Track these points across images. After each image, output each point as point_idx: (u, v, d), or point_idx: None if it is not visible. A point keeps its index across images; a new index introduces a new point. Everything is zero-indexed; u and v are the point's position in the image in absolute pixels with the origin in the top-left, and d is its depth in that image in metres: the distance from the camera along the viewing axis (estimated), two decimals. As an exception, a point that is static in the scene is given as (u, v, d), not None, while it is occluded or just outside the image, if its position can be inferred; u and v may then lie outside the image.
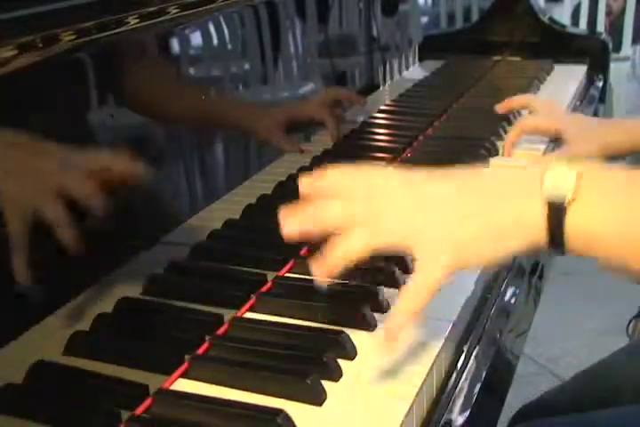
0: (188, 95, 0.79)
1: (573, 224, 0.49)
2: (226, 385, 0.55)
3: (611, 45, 1.58)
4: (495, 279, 0.74)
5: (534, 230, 0.50)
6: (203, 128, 0.81)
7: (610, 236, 0.49)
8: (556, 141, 1.03)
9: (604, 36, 1.63)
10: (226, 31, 0.83)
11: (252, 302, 0.66)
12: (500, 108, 1.11)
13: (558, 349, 1.85)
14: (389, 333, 0.53)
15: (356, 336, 0.60)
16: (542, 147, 1.05)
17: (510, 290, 0.75)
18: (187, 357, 0.58)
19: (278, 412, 0.51)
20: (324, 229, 0.54)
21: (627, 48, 2.78)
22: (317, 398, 0.53)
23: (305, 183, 0.57)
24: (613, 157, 0.97)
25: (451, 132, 1.18)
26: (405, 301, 0.53)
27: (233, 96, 0.87)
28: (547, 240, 0.50)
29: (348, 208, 0.54)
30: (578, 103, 1.39)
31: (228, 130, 0.86)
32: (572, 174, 0.50)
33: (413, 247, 0.52)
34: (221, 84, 0.85)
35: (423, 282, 0.52)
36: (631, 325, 1.38)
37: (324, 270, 0.55)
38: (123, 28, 0.65)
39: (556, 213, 0.49)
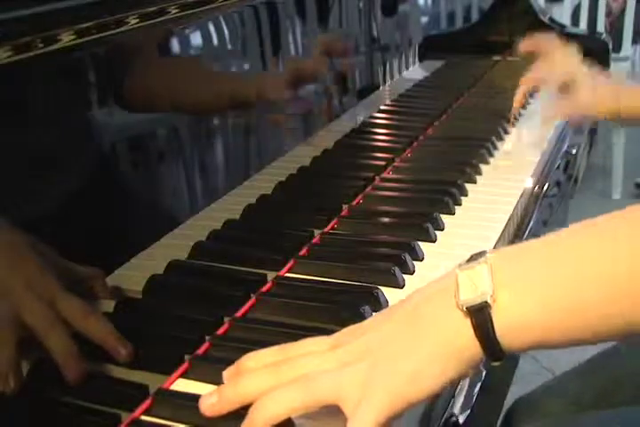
0: (188, 95, 0.79)
1: (500, 320, 0.46)
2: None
3: (611, 45, 1.58)
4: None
5: (467, 342, 0.46)
6: (202, 127, 0.81)
7: (546, 318, 0.46)
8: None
9: (604, 36, 1.62)
10: (226, 31, 0.82)
11: (252, 301, 0.66)
12: (521, 48, 1.11)
13: (558, 349, 1.84)
14: None
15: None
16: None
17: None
18: (187, 357, 0.58)
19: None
20: (249, 401, 0.49)
21: (627, 48, 2.78)
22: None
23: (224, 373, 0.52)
24: (624, 119, 0.97)
25: (451, 132, 1.18)
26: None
27: (236, 94, 0.87)
28: (481, 347, 0.46)
29: (274, 375, 0.49)
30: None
31: (229, 127, 0.86)
32: (483, 268, 0.47)
33: (343, 402, 0.47)
34: (222, 84, 0.85)
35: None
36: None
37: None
38: (123, 28, 0.65)
39: (481, 316, 0.46)
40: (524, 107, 1.20)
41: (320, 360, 0.49)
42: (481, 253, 0.49)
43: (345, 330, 0.52)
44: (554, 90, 1.06)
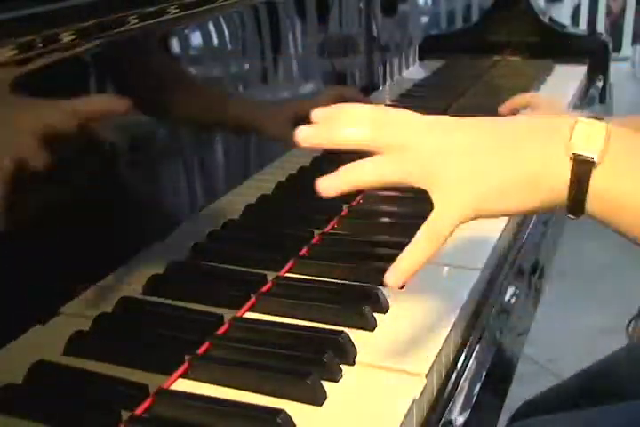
0: (188, 95, 0.79)
1: (598, 184, 0.47)
2: (226, 385, 0.55)
3: (611, 45, 1.58)
4: (495, 279, 0.74)
5: (557, 185, 0.48)
6: (202, 128, 0.81)
7: (633, 201, 0.47)
8: None
9: (603, 36, 1.63)
10: (226, 31, 0.82)
11: (252, 301, 0.66)
12: (504, 108, 1.11)
13: (558, 349, 1.85)
14: (394, 278, 0.50)
15: (356, 336, 0.60)
16: None
17: (510, 290, 0.75)
18: (187, 357, 0.58)
19: (278, 412, 0.51)
20: (345, 146, 0.51)
21: (627, 48, 2.79)
22: (317, 398, 0.53)
23: (319, 111, 0.53)
24: None
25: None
26: (414, 247, 0.51)
27: (237, 94, 0.87)
28: (567, 197, 0.48)
29: (375, 132, 0.51)
30: (578, 103, 1.39)
31: (230, 127, 0.86)
32: (602, 131, 0.48)
33: (432, 191, 0.50)
34: (222, 84, 0.85)
35: (436, 230, 0.50)
36: (631, 325, 1.38)
37: (330, 183, 0.53)
38: (123, 28, 0.65)
39: (582, 169, 0.47)
40: None
41: (419, 137, 0.51)
42: (601, 119, 0.50)
43: (444, 117, 0.54)
44: None
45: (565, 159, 0.47)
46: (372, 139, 0.50)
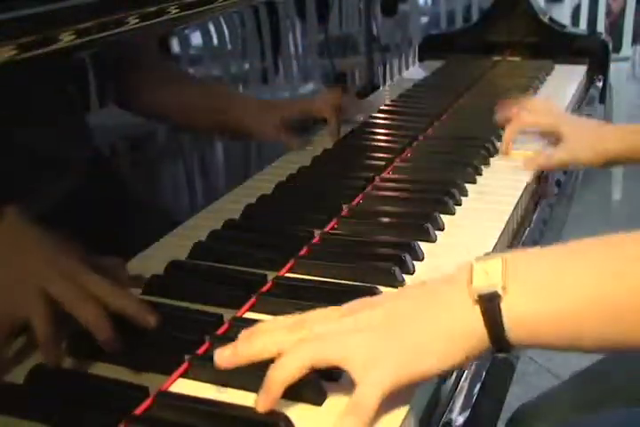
0: (188, 94, 0.79)
1: (512, 313, 0.48)
2: (226, 385, 0.55)
3: (611, 45, 1.58)
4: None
5: (473, 331, 0.48)
6: (203, 127, 0.81)
7: (548, 317, 0.48)
8: (551, 140, 1.03)
9: (603, 36, 1.62)
10: (226, 31, 0.83)
11: (252, 301, 0.66)
12: (499, 119, 1.09)
13: (558, 349, 1.85)
14: None
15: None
16: (537, 145, 1.05)
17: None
18: (187, 357, 0.58)
19: (278, 412, 0.51)
20: (263, 357, 0.51)
21: (627, 48, 2.78)
22: (317, 398, 0.53)
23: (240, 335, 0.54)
24: (611, 163, 0.96)
25: (451, 132, 1.18)
26: (345, 423, 0.49)
27: (234, 94, 0.87)
28: (489, 337, 0.48)
29: (289, 334, 0.52)
30: (578, 103, 1.39)
31: (230, 127, 0.86)
32: (498, 263, 0.49)
33: (350, 368, 0.50)
34: (222, 83, 0.85)
35: (361, 405, 0.49)
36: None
37: (265, 391, 0.50)
38: (123, 28, 0.65)
39: (491, 305, 0.48)
40: None
41: (332, 325, 0.52)
42: (495, 253, 0.51)
43: (357, 301, 0.54)
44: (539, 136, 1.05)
45: (472, 304, 0.48)
46: (287, 340, 0.51)
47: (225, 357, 0.52)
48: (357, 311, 0.52)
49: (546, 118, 1.03)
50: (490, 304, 0.48)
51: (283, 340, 0.51)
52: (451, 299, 0.50)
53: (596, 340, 0.48)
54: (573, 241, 0.50)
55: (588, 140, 0.97)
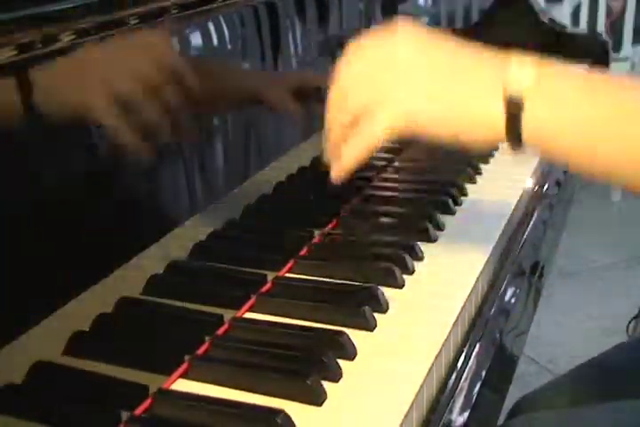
0: (188, 94, 0.79)
1: (532, 117, 0.51)
2: (226, 385, 0.55)
3: (611, 45, 1.58)
4: (495, 279, 0.74)
5: (494, 120, 0.52)
6: (203, 126, 0.81)
7: (566, 137, 0.51)
8: None
9: (604, 36, 1.62)
10: (226, 31, 0.82)
11: (251, 302, 0.66)
12: None
13: (558, 349, 1.85)
14: (336, 172, 0.59)
15: (356, 336, 0.60)
16: None
17: (510, 290, 0.75)
18: (187, 357, 0.58)
19: (278, 412, 0.51)
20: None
21: (627, 48, 2.78)
22: (317, 398, 0.53)
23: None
24: None
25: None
26: (352, 144, 0.57)
27: (234, 72, 0.87)
28: (505, 131, 0.52)
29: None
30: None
31: (230, 126, 0.86)
32: (532, 67, 0.52)
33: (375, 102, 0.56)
34: (223, 83, 0.85)
35: (370, 129, 0.56)
36: (631, 325, 1.38)
37: (346, 161, 0.59)
38: (122, 28, 0.65)
39: (514, 104, 0.51)
40: None
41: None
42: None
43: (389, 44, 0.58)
44: None
45: (499, 95, 0.52)
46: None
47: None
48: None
49: None
50: (513, 103, 0.51)
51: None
52: (485, 80, 0.53)
53: (609, 156, 0.51)
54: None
55: None
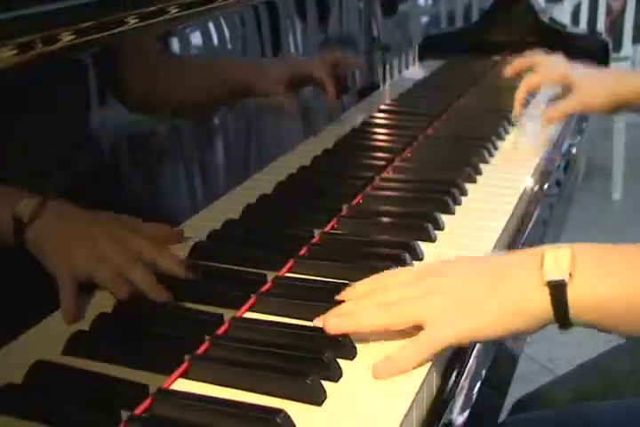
0: (188, 94, 0.79)
1: (576, 297, 0.53)
2: (226, 385, 0.55)
3: (611, 45, 1.58)
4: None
5: (541, 309, 0.54)
6: (202, 127, 0.81)
7: (612, 304, 0.53)
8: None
9: (604, 35, 1.63)
10: (226, 31, 0.82)
11: (251, 301, 0.66)
12: (508, 71, 1.12)
13: (559, 349, 1.85)
14: (383, 372, 0.56)
15: (357, 336, 0.60)
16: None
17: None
18: (187, 357, 0.58)
19: (278, 411, 0.51)
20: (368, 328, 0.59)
21: (627, 48, 2.78)
22: (317, 397, 0.53)
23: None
24: (624, 109, 0.98)
25: (451, 131, 1.18)
26: (406, 351, 0.57)
27: (231, 69, 0.87)
28: (554, 317, 0.54)
29: (385, 315, 0.58)
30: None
31: (229, 126, 0.86)
32: (567, 252, 0.55)
33: (424, 324, 0.57)
34: (222, 83, 0.85)
35: (433, 339, 0.56)
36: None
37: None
38: (122, 28, 0.65)
39: (558, 290, 0.53)
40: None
41: (408, 289, 0.59)
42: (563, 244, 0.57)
43: (431, 264, 0.64)
44: (551, 90, 1.07)
45: (541, 286, 0.54)
46: (389, 319, 0.58)
47: (335, 324, 0.58)
48: (431, 276, 0.60)
49: (552, 72, 1.04)
50: (557, 289, 0.54)
51: (380, 318, 0.58)
52: (523, 279, 0.56)
53: None
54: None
55: (602, 85, 0.98)
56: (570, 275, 0.53)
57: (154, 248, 0.65)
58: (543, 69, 1.06)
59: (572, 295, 0.53)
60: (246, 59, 0.89)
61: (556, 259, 0.55)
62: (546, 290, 0.54)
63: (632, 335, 0.57)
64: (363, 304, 0.60)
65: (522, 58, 1.13)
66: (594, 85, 1.00)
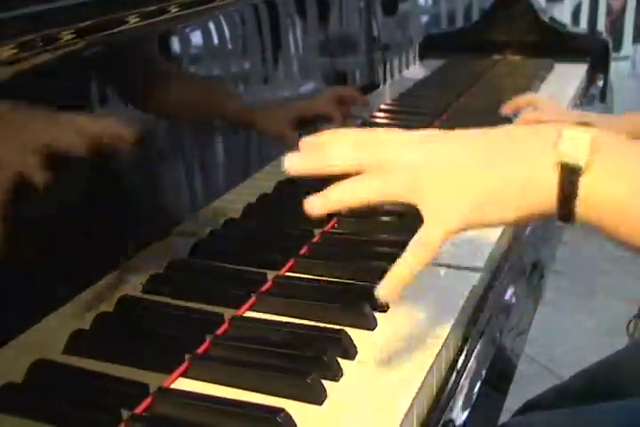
0: (188, 93, 0.79)
1: (588, 191, 0.46)
2: (226, 384, 0.55)
3: (611, 44, 1.58)
4: (495, 279, 0.74)
5: (545, 193, 0.47)
6: (203, 126, 0.81)
7: (627, 207, 0.46)
8: None
9: (604, 35, 1.63)
10: (226, 30, 0.82)
11: (252, 301, 0.66)
12: (507, 108, 1.11)
13: (558, 349, 1.85)
14: (385, 291, 0.52)
15: (357, 335, 0.60)
16: None
17: (510, 290, 0.75)
18: (187, 356, 0.58)
19: (279, 411, 0.51)
20: (330, 171, 0.51)
21: (627, 47, 2.78)
22: (317, 397, 0.53)
23: (306, 140, 0.54)
24: None
25: (451, 131, 1.17)
26: (404, 261, 0.51)
27: (236, 93, 0.87)
28: (557, 205, 0.47)
29: (358, 153, 0.51)
30: (578, 102, 1.39)
31: (230, 125, 0.86)
32: (588, 138, 0.47)
33: (420, 205, 0.50)
34: (223, 82, 0.85)
35: (426, 243, 0.50)
36: (631, 325, 1.37)
37: (317, 203, 0.53)
38: (122, 28, 0.65)
39: (570, 177, 0.46)
40: None
41: (404, 152, 0.50)
42: (586, 124, 0.49)
43: (430, 131, 0.53)
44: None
45: (552, 167, 0.47)
46: (356, 158, 0.51)
47: (294, 162, 0.52)
48: (432, 141, 0.51)
49: (549, 115, 1.04)
50: (569, 175, 0.46)
51: (355, 157, 0.50)
52: (532, 154, 0.48)
53: None
54: None
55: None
56: (586, 165, 0.46)
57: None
58: (541, 110, 1.05)
59: (586, 188, 0.46)
60: (244, 62, 0.88)
61: (575, 142, 0.47)
62: (556, 173, 0.46)
63: (632, 246, 0.48)
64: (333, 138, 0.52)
65: (524, 96, 1.12)
66: None
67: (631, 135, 0.83)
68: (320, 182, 0.91)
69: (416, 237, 0.50)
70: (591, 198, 0.46)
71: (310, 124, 1.01)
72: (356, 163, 0.50)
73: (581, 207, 0.47)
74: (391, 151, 0.50)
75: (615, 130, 0.92)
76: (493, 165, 0.49)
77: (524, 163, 0.48)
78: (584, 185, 0.46)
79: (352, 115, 1.13)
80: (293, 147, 0.53)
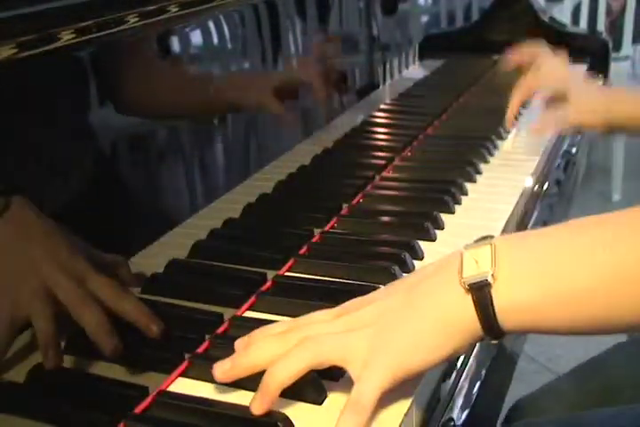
0: (187, 93, 0.79)
1: (503, 300, 0.47)
2: (226, 384, 0.55)
3: (611, 45, 1.58)
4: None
5: (467, 320, 0.48)
6: (203, 126, 0.81)
7: (546, 300, 0.46)
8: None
9: (604, 35, 1.62)
10: (226, 30, 0.82)
11: (252, 300, 0.66)
12: (509, 62, 1.10)
13: (558, 348, 1.85)
14: None
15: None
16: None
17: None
18: (186, 356, 0.58)
19: (278, 412, 0.51)
20: (260, 369, 0.51)
21: (627, 47, 2.78)
22: (317, 397, 0.53)
23: (237, 342, 0.55)
24: (616, 130, 0.96)
25: (451, 131, 1.18)
26: (342, 423, 0.49)
27: (226, 78, 0.87)
28: (480, 326, 0.47)
29: (283, 341, 0.52)
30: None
31: (229, 125, 0.86)
32: (487, 251, 0.48)
33: (347, 366, 0.50)
34: (222, 82, 0.85)
35: (359, 404, 0.49)
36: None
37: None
38: (122, 27, 0.65)
39: (482, 294, 0.47)
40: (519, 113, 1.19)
41: (326, 326, 0.52)
42: (486, 237, 0.50)
43: (349, 302, 0.54)
44: (544, 101, 1.05)
45: (464, 293, 0.47)
46: (281, 347, 0.51)
47: (225, 371, 0.52)
48: (350, 312, 0.53)
49: (552, 77, 1.03)
50: (480, 293, 0.47)
51: (278, 347, 0.51)
52: (441, 290, 0.49)
53: (591, 320, 0.46)
54: (563, 223, 0.49)
55: (595, 102, 0.96)
56: (493, 276, 0.46)
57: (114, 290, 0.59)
58: (543, 71, 1.05)
59: (499, 297, 0.46)
60: (244, 62, 0.88)
61: (477, 259, 0.48)
62: (469, 297, 0.47)
63: (574, 333, 0.47)
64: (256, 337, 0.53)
65: (524, 49, 1.12)
66: (590, 102, 0.97)
67: (635, 115, 0.82)
68: (320, 182, 0.91)
69: (349, 398, 0.49)
70: (509, 306, 0.47)
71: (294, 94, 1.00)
72: (281, 351, 0.50)
73: (503, 317, 0.47)
74: (313, 330, 0.52)
75: (616, 108, 0.88)
76: (409, 310, 0.49)
77: (437, 301, 0.49)
78: (498, 294, 0.46)
79: (349, 118, 1.14)
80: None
